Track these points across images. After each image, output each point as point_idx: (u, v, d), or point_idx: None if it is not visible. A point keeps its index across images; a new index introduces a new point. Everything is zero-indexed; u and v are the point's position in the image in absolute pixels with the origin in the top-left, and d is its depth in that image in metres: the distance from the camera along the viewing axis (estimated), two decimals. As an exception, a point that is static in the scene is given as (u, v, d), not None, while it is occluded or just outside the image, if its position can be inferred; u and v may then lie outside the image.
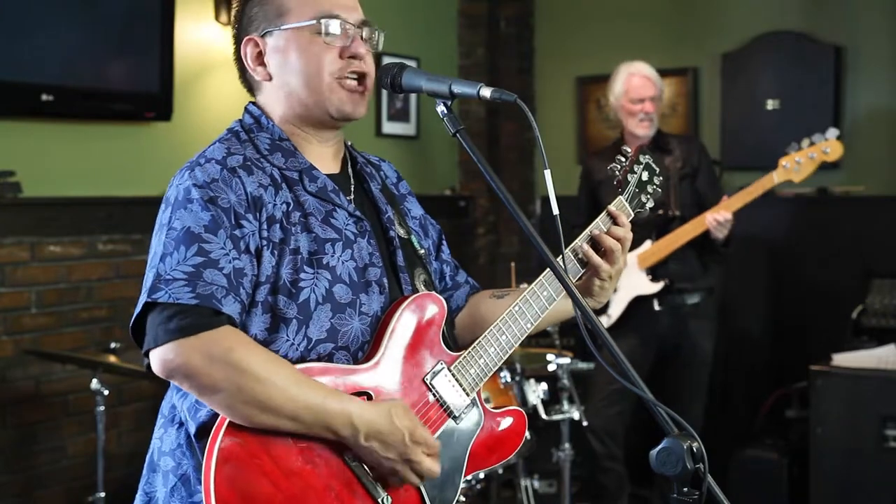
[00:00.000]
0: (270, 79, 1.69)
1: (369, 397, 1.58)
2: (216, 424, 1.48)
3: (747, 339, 4.81)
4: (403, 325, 1.63)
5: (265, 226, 1.56)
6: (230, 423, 1.48)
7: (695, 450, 1.31)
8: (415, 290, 1.72)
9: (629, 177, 1.93)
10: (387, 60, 1.74)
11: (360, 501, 1.56)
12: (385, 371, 1.60)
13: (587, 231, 1.81)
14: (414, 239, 1.81)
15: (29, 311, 3.57)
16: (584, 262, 1.80)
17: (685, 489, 1.31)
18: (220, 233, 1.51)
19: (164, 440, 1.62)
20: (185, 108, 4.03)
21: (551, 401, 3.64)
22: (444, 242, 1.96)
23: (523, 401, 3.50)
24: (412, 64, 1.89)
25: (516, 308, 1.73)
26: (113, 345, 3.49)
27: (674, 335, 3.94)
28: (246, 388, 1.45)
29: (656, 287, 3.83)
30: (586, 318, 1.48)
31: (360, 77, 1.68)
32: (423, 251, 1.81)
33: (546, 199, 5.49)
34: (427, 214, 1.94)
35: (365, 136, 4.89)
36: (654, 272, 3.84)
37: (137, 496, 1.66)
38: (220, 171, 1.57)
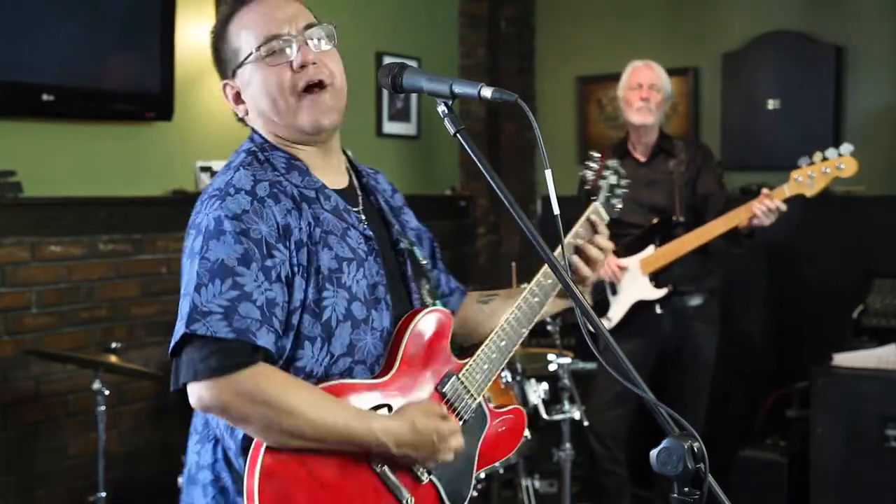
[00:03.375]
0: (248, 113, 1.76)
1: (389, 409, 1.67)
2: (254, 444, 1.57)
3: (748, 339, 4.81)
4: (415, 339, 1.72)
5: (294, 252, 1.61)
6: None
7: (695, 450, 1.31)
8: (422, 301, 1.81)
9: (601, 182, 2.05)
10: (387, 60, 1.75)
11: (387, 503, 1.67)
12: (401, 384, 1.70)
13: (569, 241, 1.91)
14: (416, 250, 1.87)
15: (29, 311, 3.57)
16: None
17: (686, 489, 1.31)
18: (252, 265, 1.56)
19: (201, 455, 1.70)
20: (186, 109, 4.03)
21: (552, 400, 3.65)
22: (437, 250, 2.04)
23: (524, 400, 3.51)
24: (413, 64, 1.89)
25: (512, 315, 1.84)
26: (113, 345, 3.49)
27: (676, 337, 3.93)
28: (275, 421, 1.54)
29: (659, 293, 3.82)
30: (588, 319, 1.48)
31: (319, 85, 1.69)
32: (424, 262, 1.88)
33: (547, 199, 5.50)
34: (420, 223, 2.01)
35: (365, 136, 4.89)
36: (657, 278, 3.83)
37: None
38: (250, 202, 1.60)
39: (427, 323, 1.74)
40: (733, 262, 4.47)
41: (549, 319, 3.71)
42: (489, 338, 1.82)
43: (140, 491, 3.82)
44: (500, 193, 1.52)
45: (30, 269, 3.56)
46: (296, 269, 1.60)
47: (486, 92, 1.53)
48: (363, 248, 1.70)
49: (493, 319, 1.89)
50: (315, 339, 1.61)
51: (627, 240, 3.85)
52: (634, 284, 3.84)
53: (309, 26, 1.71)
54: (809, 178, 3.50)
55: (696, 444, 1.31)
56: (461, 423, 1.76)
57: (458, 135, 1.57)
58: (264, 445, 1.55)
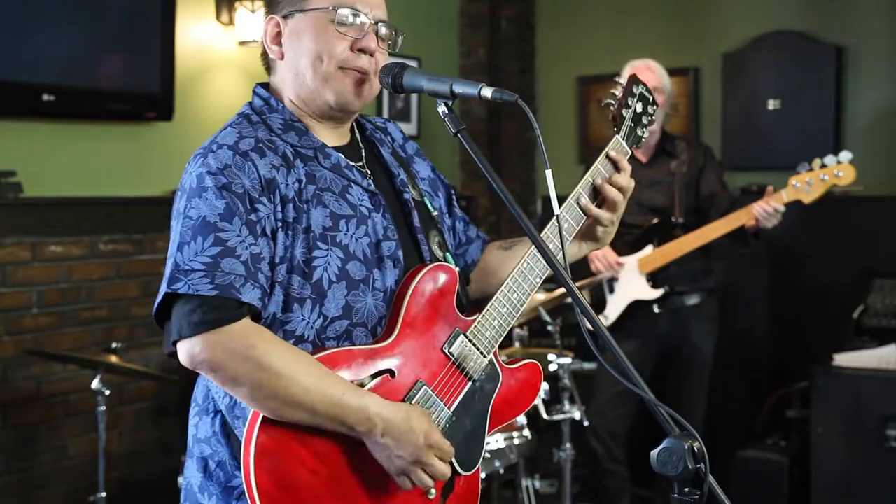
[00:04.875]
0: (283, 58, 1.72)
1: (392, 374, 1.61)
2: (250, 419, 1.52)
3: (748, 339, 4.80)
4: (417, 298, 1.66)
5: (279, 207, 1.58)
6: (264, 418, 1.52)
7: (696, 450, 1.30)
8: (431, 253, 1.75)
9: (624, 111, 1.89)
10: (387, 60, 1.75)
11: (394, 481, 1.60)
12: (403, 347, 1.63)
13: (588, 179, 1.81)
14: (427, 200, 1.82)
15: (30, 312, 3.57)
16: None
17: (686, 489, 1.31)
18: (235, 220, 1.53)
19: (199, 428, 1.67)
20: (186, 108, 4.03)
21: (552, 401, 3.64)
22: (454, 198, 1.97)
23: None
24: (413, 64, 1.88)
25: (525, 265, 1.75)
26: (114, 345, 3.49)
27: (674, 337, 3.93)
28: (266, 384, 1.49)
29: (656, 294, 3.82)
30: (588, 318, 1.48)
31: (363, 76, 1.69)
32: (435, 213, 1.83)
33: (547, 199, 5.49)
34: (434, 170, 1.95)
35: (366, 136, 4.89)
36: (655, 278, 3.83)
37: (184, 480, 1.71)
38: (232, 156, 1.58)
39: (429, 280, 1.67)
40: (734, 262, 4.47)
41: (549, 319, 3.71)
42: (499, 290, 1.73)
43: (140, 491, 3.82)
44: (500, 193, 1.52)
45: (30, 269, 3.56)
46: (280, 224, 1.57)
47: (487, 92, 1.53)
48: (367, 205, 1.67)
49: (514, 264, 1.77)
50: (305, 300, 1.57)
51: (627, 239, 3.84)
52: (632, 284, 3.84)
53: (383, 21, 1.71)
54: (807, 184, 3.50)
55: (696, 444, 1.31)
56: (470, 384, 1.69)
57: (458, 135, 1.57)
58: (259, 420, 1.51)
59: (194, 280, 1.50)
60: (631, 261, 3.83)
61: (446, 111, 1.58)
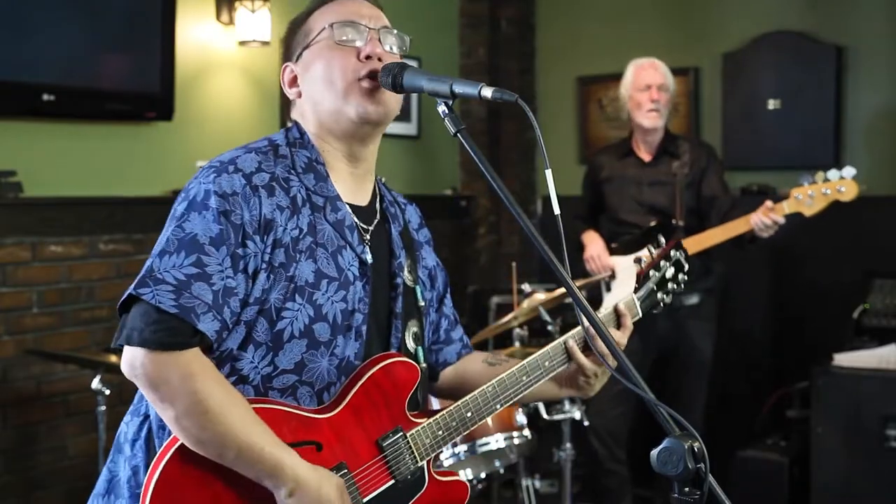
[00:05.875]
0: (301, 96, 1.74)
1: (319, 448, 1.59)
2: (166, 443, 1.53)
3: (748, 339, 4.80)
4: (372, 384, 1.65)
5: (269, 249, 1.58)
6: (180, 447, 1.51)
7: (696, 450, 1.31)
8: (402, 343, 1.74)
9: (652, 272, 1.87)
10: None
11: None
12: (341, 424, 1.62)
13: (584, 326, 1.73)
14: (418, 289, 1.82)
15: (30, 311, 3.57)
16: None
17: (686, 489, 1.31)
18: (222, 248, 1.54)
19: (129, 426, 1.68)
20: (186, 108, 4.04)
21: (552, 400, 3.64)
22: (449, 295, 1.97)
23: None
24: (413, 64, 1.87)
25: (489, 388, 1.75)
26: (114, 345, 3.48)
27: (672, 336, 3.93)
28: (194, 414, 1.49)
29: None
30: (588, 318, 1.48)
31: (376, 76, 1.68)
32: (423, 304, 1.83)
33: (547, 199, 5.50)
34: (439, 264, 1.95)
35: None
36: None
37: (103, 471, 1.72)
38: (243, 186, 1.58)
39: (391, 371, 1.66)
40: (734, 263, 4.47)
41: (549, 319, 3.71)
42: (456, 404, 1.72)
43: (140, 491, 3.81)
44: (500, 193, 1.52)
45: (30, 268, 3.56)
46: (265, 265, 1.57)
47: (487, 92, 1.53)
48: (354, 271, 1.66)
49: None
50: (261, 345, 1.57)
51: (626, 239, 3.84)
52: (629, 284, 3.83)
53: (385, 28, 1.73)
54: (809, 197, 3.50)
55: (696, 444, 1.31)
56: (392, 482, 1.65)
57: (458, 135, 1.57)
58: (174, 448, 1.51)
59: (161, 292, 1.50)
60: (629, 261, 3.83)
61: (446, 111, 1.58)
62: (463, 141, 1.57)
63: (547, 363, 1.80)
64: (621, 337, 1.83)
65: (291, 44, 1.77)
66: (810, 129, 4.71)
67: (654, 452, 1.32)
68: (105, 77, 3.73)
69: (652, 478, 4.14)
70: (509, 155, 5.61)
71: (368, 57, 1.68)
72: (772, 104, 4.82)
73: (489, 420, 3.23)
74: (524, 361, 1.77)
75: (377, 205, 1.79)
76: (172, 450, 1.51)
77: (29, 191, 3.52)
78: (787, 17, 4.82)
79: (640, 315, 1.87)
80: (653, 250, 1.89)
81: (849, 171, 3.50)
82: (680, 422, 1.35)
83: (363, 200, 1.76)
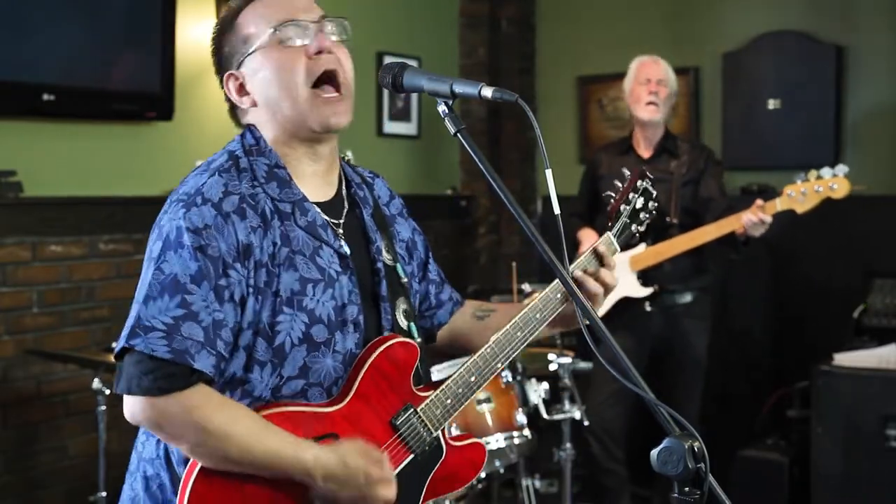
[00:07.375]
0: (255, 104, 1.70)
1: (336, 438, 1.62)
2: (190, 463, 1.55)
3: (748, 339, 4.81)
4: (375, 369, 1.67)
5: (252, 273, 1.57)
6: (203, 465, 1.54)
7: (696, 449, 1.31)
8: (394, 324, 1.75)
9: (622, 207, 1.91)
10: (388, 60, 1.74)
11: None
12: (353, 413, 1.65)
13: (573, 268, 1.82)
14: (399, 266, 1.82)
15: (30, 311, 3.57)
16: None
17: (686, 489, 1.31)
18: (203, 284, 1.53)
19: (145, 447, 1.69)
20: (187, 108, 4.04)
21: (552, 400, 3.64)
22: (431, 258, 1.98)
23: (524, 400, 3.50)
24: (413, 63, 1.86)
25: (488, 350, 1.77)
26: (114, 344, 3.48)
27: (666, 334, 3.93)
28: (207, 444, 1.52)
29: (645, 291, 3.83)
30: (588, 316, 1.48)
31: (333, 77, 1.67)
32: (405, 279, 1.83)
33: (547, 199, 5.50)
34: (416, 228, 1.94)
35: (366, 135, 4.89)
36: (645, 276, 3.83)
37: (124, 489, 1.73)
38: (214, 216, 1.56)
39: (390, 354, 1.69)
40: (734, 262, 4.47)
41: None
42: (458, 371, 1.75)
43: (140, 491, 3.81)
44: (500, 193, 1.52)
45: (30, 268, 3.56)
46: (251, 290, 1.57)
47: (487, 92, 1.53)
48: (336, 267, 1.66)
49: (485, 335, 1.81)
50: (266, 363, 1.58)
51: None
52: (622, 280, 3.83)
53: (324, 17, 1.70)
54: (802, 194, 3.54)
55: (696, 444, 1.31)
56: (412, 456, 1.70)
57: (458, 134, 1.57)
58: (198, 468, 1.53)
59: (152, 339, 1.50)
60: (623, 257, 3.83)
61: (446, 111, 1.58)
62: (463, 141, 1.57)
63: (538, 315, 1.82)
64: (610, 276, 1.85)
65: (228, 51, 1.71)
66: (810, 128, 4.72)
67: (655, 452, 1.32)
68: (105, 77, 3.73)
69: (650, 477, 4.14)
70: (509, 155, 5.61)
71: (319, 52, 1.66)
72: (772, 104, 4.83)
73: (489, 420, 3.24)
74: (516, 317, 1.79)
75: (344, 192, 1.78)
76: (196, 470, 1.54)
77: (29, 191, 3.52)
78: (787, 17, 4.82)
79: (619, 250, 1.92)
80: (620, 185, 1.92)
81: (841, 169, 3.54)
82: (680, 421, 1.35)
83: (329, 194, 1.74)
